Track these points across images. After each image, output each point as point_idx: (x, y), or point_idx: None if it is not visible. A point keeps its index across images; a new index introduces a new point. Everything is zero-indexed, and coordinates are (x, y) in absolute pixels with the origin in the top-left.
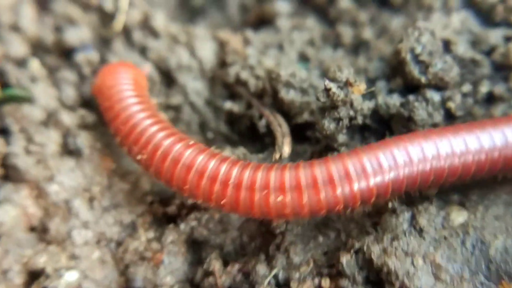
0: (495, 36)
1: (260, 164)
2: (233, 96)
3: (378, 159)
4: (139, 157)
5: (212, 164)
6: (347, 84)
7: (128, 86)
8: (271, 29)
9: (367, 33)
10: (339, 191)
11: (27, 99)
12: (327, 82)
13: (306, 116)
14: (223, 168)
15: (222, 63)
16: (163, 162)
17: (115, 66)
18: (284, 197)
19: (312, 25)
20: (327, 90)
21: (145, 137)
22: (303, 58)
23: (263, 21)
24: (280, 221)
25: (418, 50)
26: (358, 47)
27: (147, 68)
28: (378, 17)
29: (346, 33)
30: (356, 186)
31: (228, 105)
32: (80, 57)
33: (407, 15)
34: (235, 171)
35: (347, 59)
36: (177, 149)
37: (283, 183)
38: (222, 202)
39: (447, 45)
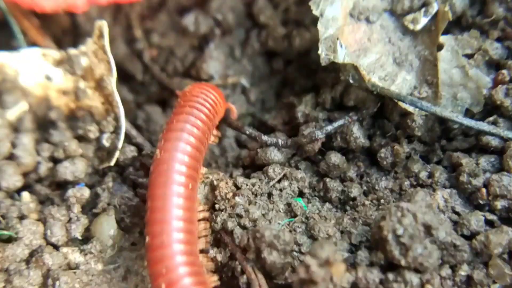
0: (477, 220)
1: None
2: (218, 242)
3: None
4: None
5: None
6: (327, 262)
7: (201, 106)
8: (262, 176)
9: (355, 191)
10: None
11: (12, 240)
12: (308, 258)
13: (287, 275)
14: None
15: (212, 206)
16: None
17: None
18: None
19: (302, 176)
20: (306, 267)
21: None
22: (290, 212)
23: (256, 164)
24: None
25: (400, 231)
26: (345, 203)
27: (235, 114)
28: (367, 175)
29: (334, 188)
30: None
31: (212, 253)
32: (70, 194)
33: (395, 178)
34: None
35: (333, 216)
36: None
37: None
38: None
39: (428, 230)
